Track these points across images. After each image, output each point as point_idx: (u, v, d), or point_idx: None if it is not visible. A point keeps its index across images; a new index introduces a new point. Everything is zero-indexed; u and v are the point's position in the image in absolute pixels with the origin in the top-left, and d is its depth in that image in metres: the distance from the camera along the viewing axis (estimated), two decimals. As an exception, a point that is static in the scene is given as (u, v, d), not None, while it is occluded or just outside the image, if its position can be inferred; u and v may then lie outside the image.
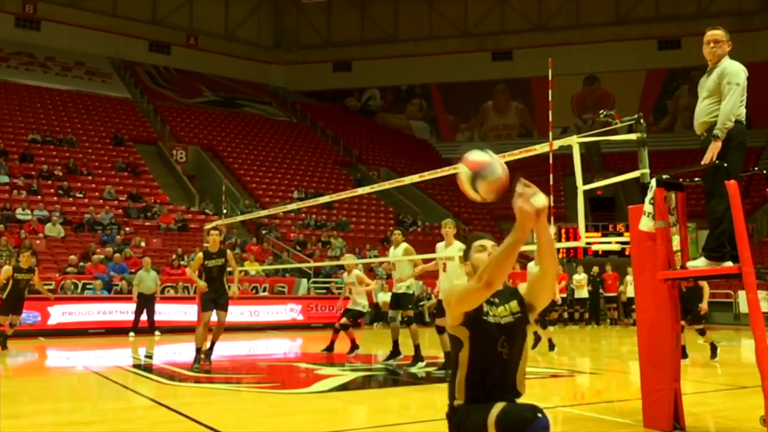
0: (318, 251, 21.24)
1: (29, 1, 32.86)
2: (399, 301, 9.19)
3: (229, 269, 8.95)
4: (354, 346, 10.13)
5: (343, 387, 7.09)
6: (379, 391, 7.13)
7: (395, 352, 9.18)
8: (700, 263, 4.70)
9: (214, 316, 8.67)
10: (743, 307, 18.86)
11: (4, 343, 10.76)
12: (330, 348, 10.30)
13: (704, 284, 9.43)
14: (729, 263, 4.53)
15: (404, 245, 9.03)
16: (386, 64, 37.88)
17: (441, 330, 7.91)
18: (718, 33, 4.88)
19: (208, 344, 8.76)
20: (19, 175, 20.78)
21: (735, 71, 4.67)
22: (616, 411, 5.72)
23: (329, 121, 35.70)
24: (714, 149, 4.58)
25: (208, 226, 10.11)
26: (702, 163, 4.67)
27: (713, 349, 9.55)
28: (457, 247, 7.90)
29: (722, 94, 4.65)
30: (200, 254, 8.82)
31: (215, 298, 8.68)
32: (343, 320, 10.22)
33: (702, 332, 9.62)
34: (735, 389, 6.91)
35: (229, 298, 8.86)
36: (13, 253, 15.85)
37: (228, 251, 9.02)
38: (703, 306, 9.53)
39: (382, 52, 38.09)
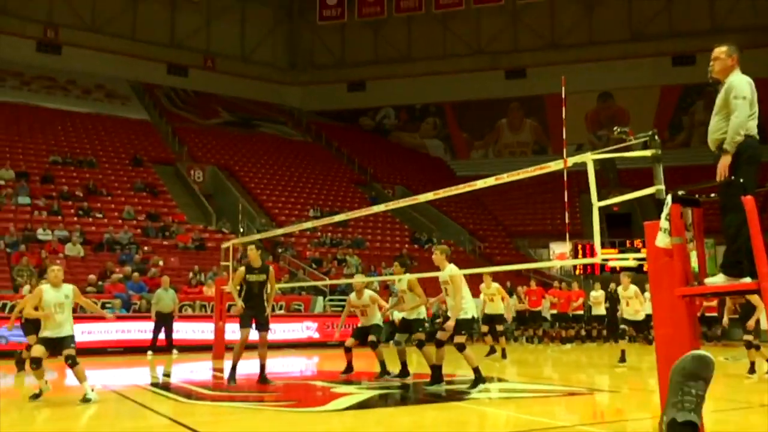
0: (334, 269, 21.28)
1: (50, 26, 33.60)
2: (410, 325, 9.23)
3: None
4: (384, 371, 9.55)
5: (360, 405, 7.08)
6: (395, 409, 7.11)
7: (405, 372, 9.25)
8: (719, 279, 4.68)
9: (254, 335, 8.61)
10: (763, 323, 18.57)
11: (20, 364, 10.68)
12: (349, 369, 9.89)
13: (758, 301, 9.28)
14: (747, 279, 4.50)
15: (408, 277, 9.04)
16: (400, 83, 38.12)
17: (461, 348, 7.98)
18: (717, 50, 4.91)
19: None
20: (41, 196, 21.11)
21: (740, 85, 4.68)
22: (635, 430, 5.66)
23: (344, 140, 35.94)
24: (724, 163, 4.60)
25: (234, 241, 10.14)
26: (717, 179, 4.67)
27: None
28: (449, 269, 8.11)
29: (730, 109, 4.66)
30: (242, 269, 8.78)
31: (255, 315, 8.61)
32: (372, 338, 9.79)
33: (749, 346, 9.63)
34: (756, 407, 6.81)
35: (268, 315, 8.81)
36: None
37: (271, 268, 8.98)
38: (750, 323, 9.61)
39: (396, 71, 38.36)
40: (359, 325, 10.22)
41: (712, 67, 4.89)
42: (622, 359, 11.65)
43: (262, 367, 8.73)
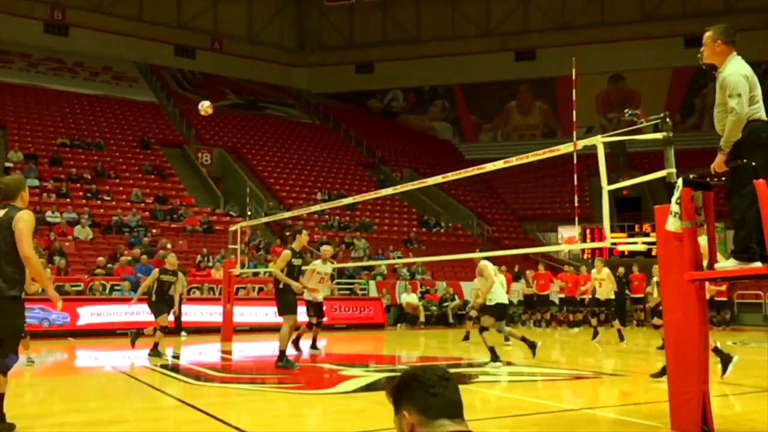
0: (341, 252, 21.31)
1: (58, 8, 33.52)
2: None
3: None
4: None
5: (368, 388, 7.11)
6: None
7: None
8: (729, 264, 4.64)
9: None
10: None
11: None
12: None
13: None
14: (758, 264, 4.45)
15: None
16: (409, 65, 37.86)
17: (483, 329, 8.98)
18: (704, 35, 4.82)
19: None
20: (49, 179, 21.19)
21: (733, 82, 4.54)
22: (642, 413, 5.65)
23: (352, 122, 35.80)
24: (717, 162, 4.63)
25: (242, 224, 10.27)
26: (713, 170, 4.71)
27: None
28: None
29: (727, 106, 4.57)
30: (287, 252, 8.87)
31: (295, 302, 8.92)
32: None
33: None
34: (764, 391, 6.78)
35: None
36: (43, 255, 16.15)
37: (307, 255, 9.38)
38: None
39: (405, 53, 38.09)
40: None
41: (701, 53, 4.81)
42: (595, 335, 13.57)
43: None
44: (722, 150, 4.61)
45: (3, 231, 4.44)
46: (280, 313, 8.81)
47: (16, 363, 4.48)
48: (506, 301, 9.46)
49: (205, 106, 9.02)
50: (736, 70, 4.61)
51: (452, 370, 8.19)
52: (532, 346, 9.44)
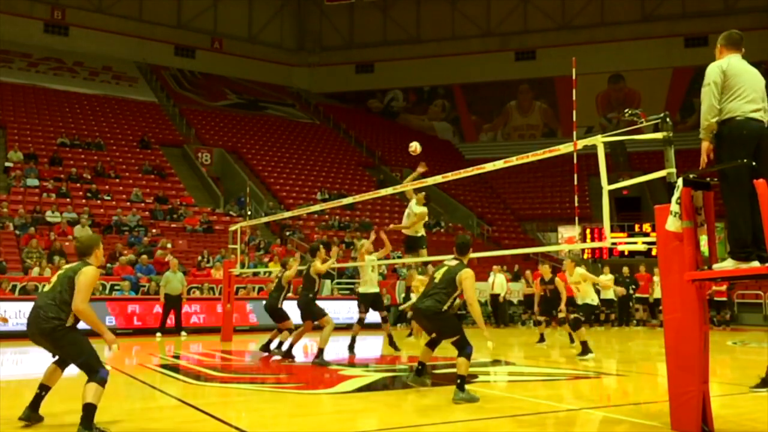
0: (341, 252, 21.29)
1: (58, 7, 33.52)
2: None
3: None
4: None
5: (368, 387, 7.11)
6: (403, 391, 7.13)
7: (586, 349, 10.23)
8: (727, 264, 4.64)
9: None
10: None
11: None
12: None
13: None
14: (756, 263, 4.45)
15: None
16: (409, 65, 37.87)
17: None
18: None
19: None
20: (49, 179, 21.18)
21: (707, 73, 4.79)
22: (642, 413, 5.65)
23: (352, 122, 35.80)
24: (702, 150, 4.74)
25: (242, 224, 10.34)
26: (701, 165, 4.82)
27: None
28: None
29: None
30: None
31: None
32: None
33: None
34: (763, 392, 6.78)
35: None
36: (43, 255, 16.16)
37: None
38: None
39: (405, 53, 38.09)
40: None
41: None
42: (582, 347, 11.30)
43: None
44: (701, 139, 4.78)
45: (67, 280, 4.85)
46: (317, 318, 9.44)
47: (108, 374, 4.88)
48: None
49: (414, 146, 9.42)
50: (715, 63, 4.80)
51: (452, 371, 8.15)
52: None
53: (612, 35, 35.24)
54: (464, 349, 6.22)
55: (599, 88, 35.60)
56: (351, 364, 9.51)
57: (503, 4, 37.34)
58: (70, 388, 7.39)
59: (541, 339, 12.95)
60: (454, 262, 6.60)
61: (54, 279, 4.97)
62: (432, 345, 6.90)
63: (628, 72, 35.70)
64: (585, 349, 10.24)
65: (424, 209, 10.21)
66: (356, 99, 39.24)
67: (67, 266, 5.05)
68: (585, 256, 25.14)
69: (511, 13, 37.34)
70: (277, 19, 39.46)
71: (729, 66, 4.71)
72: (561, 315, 12.35)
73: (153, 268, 16.63)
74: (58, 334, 4.80)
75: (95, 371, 4.78)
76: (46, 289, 4.95)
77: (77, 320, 4.90)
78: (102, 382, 4.77)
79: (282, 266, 11.45)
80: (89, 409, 4.67)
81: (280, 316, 10.25)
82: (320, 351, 9.09)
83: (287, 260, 11.39)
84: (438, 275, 6.62)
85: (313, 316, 9.48)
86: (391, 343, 11.20)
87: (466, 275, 6.37)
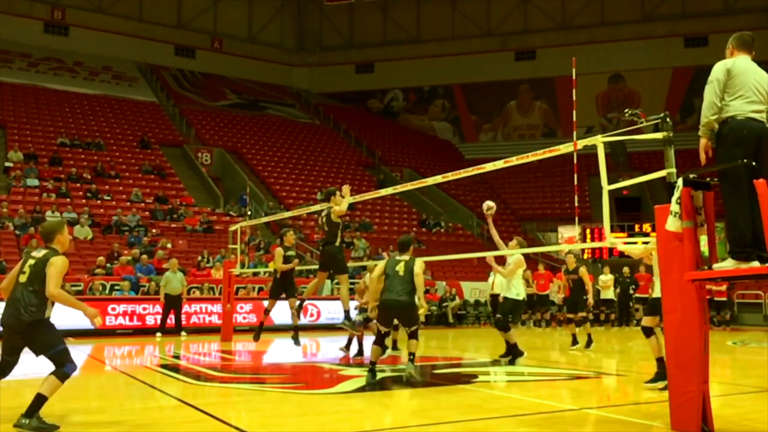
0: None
1: (58, 7, 33.52)
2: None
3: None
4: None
5: (368, 388, 7.10)
6: (403, 392, 7.13)
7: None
8: (727, 264, 4.64)
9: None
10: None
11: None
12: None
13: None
14: (756, 263, 4.45)
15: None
16: (409, 65, 37.87)
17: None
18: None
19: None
20: (49, 179, 21.18)
21: (713, 70, 4.77)
22: (642, 413, 5.65)
23: (352, 122, 35.80)
24: (701, 147, 4.72)
25: (242, 224, 10.37)
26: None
27: None
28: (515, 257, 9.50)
29: None
30: (279, 249, 10.13)
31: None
32: None
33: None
34: (764, 391, 6.79)
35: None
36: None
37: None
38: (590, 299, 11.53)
39: (405, 53, 38.09)
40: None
41: None
42: (575, 342, 12.06)
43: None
44: (700, 136, 4.75)
45: (38, 272, 4.95)
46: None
47: (74, 371, 4.94)
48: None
49: (488, 205, 9.11)
50: (722, 62, 4.78)
51: (452, 371, 8.12)
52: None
53: (612, 35, 35.24)
54: (416, 334, 7.42)
55: (599, 88, 35.60)
56: (347, 363, 9.49)
57: (503, 4, 37.34)
58: (70, 389, 7.39)
59: (574, 341, 11.97)
60: (407, 257, 7.45)
61: (27, 270, 5.03)
62: (381, 344, 7.58)
63: (628, 72, 35.70)
64: (575, 341, 11.82)
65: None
66: (356, 99, 39.24)
67: (37, 256, 5.10)
68: (585, 256, 25.16)
69: (511, 13, 37.35)
70: (277, 19, 39.46)
71: (734, 65, 4.71)
72: (590, 303, 12.13)
73: (153, 268, 16.63)
74: (37, 325, 4.91)
75: (62, 365, 4.87)
76: (22, 280, 5.01)
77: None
78: (63, 377, 4.87)
79: (279, 238, 11.39)
80: (39, 400, 4.79)
81: (341, 267, 9.14)
82: (347, 313, 9.08)
83: (285, 232, 10.85)
84: (400, 269, 7.27)
85: (337, 269, 8.99)
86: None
87: (420, 264, 7.34)
